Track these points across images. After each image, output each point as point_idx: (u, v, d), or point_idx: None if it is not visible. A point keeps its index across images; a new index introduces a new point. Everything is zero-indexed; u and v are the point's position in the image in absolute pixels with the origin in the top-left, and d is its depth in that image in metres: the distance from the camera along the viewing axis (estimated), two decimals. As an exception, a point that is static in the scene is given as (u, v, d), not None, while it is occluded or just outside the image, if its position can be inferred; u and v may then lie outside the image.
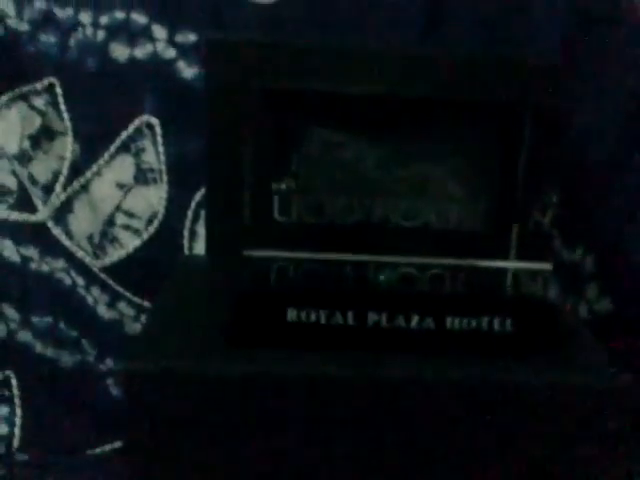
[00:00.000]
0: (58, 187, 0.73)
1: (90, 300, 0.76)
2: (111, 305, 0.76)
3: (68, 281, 0.76)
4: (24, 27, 0.71)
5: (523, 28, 0.70)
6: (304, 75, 0.56)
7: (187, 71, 0.71)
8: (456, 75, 0.56)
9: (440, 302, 0.51)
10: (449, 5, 0.70)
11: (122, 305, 0.76)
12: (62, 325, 0.77)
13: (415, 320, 0.51)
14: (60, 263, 0.75)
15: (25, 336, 0.77)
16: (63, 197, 0.74)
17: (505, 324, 0.51)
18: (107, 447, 0.77)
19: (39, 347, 0.77)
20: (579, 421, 0.48)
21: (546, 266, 0.56)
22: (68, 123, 0.73)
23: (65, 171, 0.73)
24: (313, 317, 0.50)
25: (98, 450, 0.77)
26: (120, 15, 0.71)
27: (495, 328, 0.51)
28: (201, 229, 0.74)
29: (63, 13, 0.71)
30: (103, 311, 0.76)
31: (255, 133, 0.54)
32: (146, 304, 0.76)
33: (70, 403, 0.78)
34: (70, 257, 0.75)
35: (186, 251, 0.75)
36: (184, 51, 0.71)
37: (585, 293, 0.75)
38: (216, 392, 0.48)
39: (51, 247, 0.75)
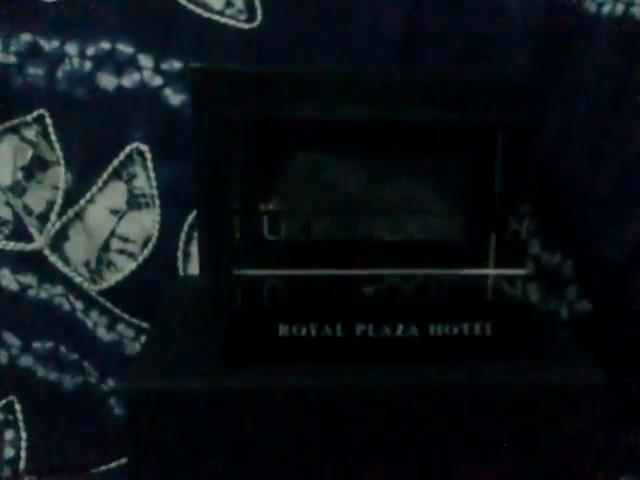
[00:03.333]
0: (53, 216, 0.75)
1: (89, 323, 0.78)
2: (110, 327, 0.78)
3: (67, 306, 0.77)
4: (11, 60, 0.73)
5: (495, 42, 0.73)
6: (286, 101, 0.59)
7: (174, 98, 0.74)
8: (431, 97, 0.59)
9: (423, 311, 0.54)
10: (424, 26, 0.73)
11: (121, 327, 0.78)
12: (63, 349, 0.78)
13: (400, 329, 0.53)
14: (58, 289, 0.77)
15: (27, 361, 0.78)
16: (58, 225, 0.76)
17: (485, 328, 0.54)
18: (113, 464, 0.79)
19: (41, 371, 0.79)
20: (558, 419, 0.51)
21: (522, 272, 0.59)
22: (60, 153, 0.75)
23: (59, 200, 0.75)
24: (304, 331, 0.53)
25: (103, 468, 0.79)
26: (106, 46, 0.73)
27: (476, 333, 0.54)
28: (194, 250, 0.76)
29: (49, 45, 0.73)
30: (103, 333, 0.78)
31: (241, 157, 0.57)
32: (144, 325, 0.77)
33: (74, 424, 0.79)
34: (68, 283, 0.76)
35: (180, 272, 0.77)
36: (170, 78, 0.73)
37: (565, 295, 0.78)
38: (214, 408, 0.50)
39: (49, 274, 0.76)
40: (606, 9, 0.72)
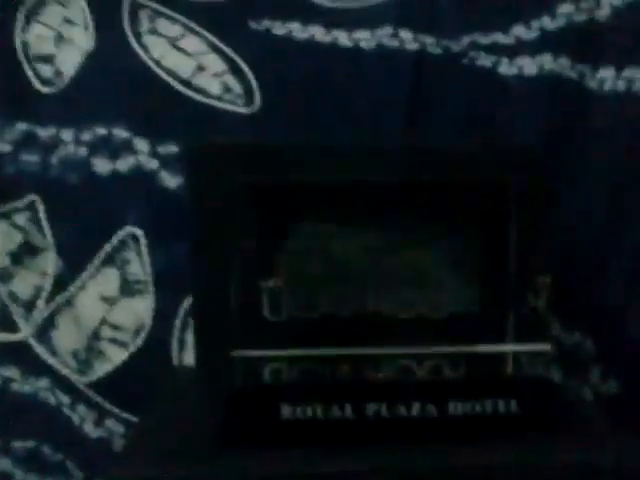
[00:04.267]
0: (40, 303, 0.72)
1: (76, 419, 0.72)
2: (98, 423, 0.72)
3: (52, 401, 0.72)
4: (5, 148, 0.72)
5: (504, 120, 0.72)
6: (285, 171, 0.57)
7: (170, 181, 0.72)
8: (439, 161, 0.57)
9: (441, 387, 0.49)
10: (430, 103, 0.72)
11: (110, 422, 0.72)
12: (46, 449, 0.73)
13: (416, 408, 0.49)
14: (44, 382, 0.72)
15: (4, 464, 0.73)
16: (46, 313, 0.72)
17: (510, 405, 0.49)
18: None
19: (20, 476, 0.73)
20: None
21: (545, 347, 0.55)
22: (50, 239, 0.72)
23: (48, 286, 0.72)
24: (309, 412, 0.48)
25: None
26: (102, 131, 0.72)
27: (500, 410, 0.49)
28: (190, 338, 0.71)
29: (45, 132, 0.72)
30: (90, 429, 0.72)
31: (239, 231, 0.54)
32: (135, 420, 0.71)
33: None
34: (54, 375, 0.72)
35: (175, 361, 0.72)
36: (166, 162, 0.72)
37: (588, 376, 0.73)
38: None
39: (34, 366, 0.72)
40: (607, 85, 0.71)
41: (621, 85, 0.71)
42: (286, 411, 0.48)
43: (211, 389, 0.53)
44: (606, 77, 0.71)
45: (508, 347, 0.55)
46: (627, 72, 0.71)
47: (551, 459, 0.46)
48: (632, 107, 0.71)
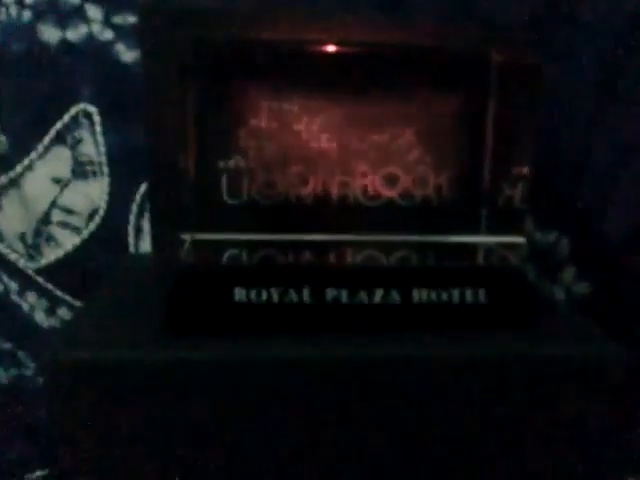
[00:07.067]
0: (-18, 182, 0.67)
1: (26, 307, 0.69)
2: (50, 311, 0.69)
3: (0, 287, 0.69)
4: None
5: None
6: (252, 38, 0.51)
7: (127, 54, 0.66)
8: (417, 34, 0.52)
9: (406, 274, 0.46)
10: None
11: (62, 311, 0.69)
12: (-6, 337, 0.69)
13: (379, 295, 0.45)
14: (-11, 268, 0.68)
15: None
16: (-11, 193, 0.67)
17: (478, 295, 0.46)
18: (47, 470, 0.69)
19: (-32, 364, 0.70)
20: (568, 399, 0.43)
21: (519, 240, 0.51)
22: (-8, 115, 0.66)
23: (-9, 165, 0.67)
24: (264, 296, 0.45)
25: (38, 473, 0.69)
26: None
27: (467, 300, 0.46)
28: (147, 225, 0.68)
29: None
30: (41, 318, 0.69)
31: (197, 107, 0.49)
32: (88, 308, 0.69)
33: (6, 424, 0.69)
34: (1, 260, 0.67)
35: (131, 249, 0.68)
36: (122, 34, 0.66)
37: (561, 277, 0.70)
38: (151, 382, 0.41)
39: (-21, 251, 0.68)
40: None
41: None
42: (239, 294, 0.44)
43: (163, 274, 0.49)
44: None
45: (480, 238, 0.51)
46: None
47: (520, 352, 0.43)
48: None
